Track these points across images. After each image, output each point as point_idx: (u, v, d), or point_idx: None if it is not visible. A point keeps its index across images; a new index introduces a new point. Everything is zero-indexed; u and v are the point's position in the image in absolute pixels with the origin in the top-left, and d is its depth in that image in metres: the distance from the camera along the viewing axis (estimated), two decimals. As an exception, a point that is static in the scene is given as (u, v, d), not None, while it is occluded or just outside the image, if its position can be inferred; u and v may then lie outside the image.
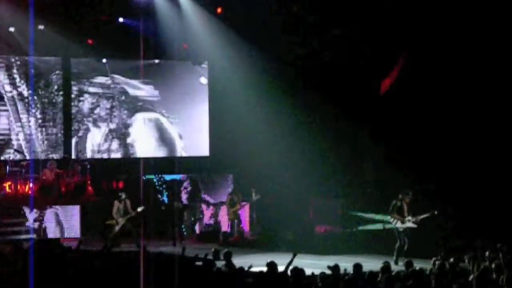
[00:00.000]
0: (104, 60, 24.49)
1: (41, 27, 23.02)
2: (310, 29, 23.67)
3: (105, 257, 13.95)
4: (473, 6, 21.13)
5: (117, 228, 20.19)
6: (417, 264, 13.33)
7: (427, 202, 19.61)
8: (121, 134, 24.84)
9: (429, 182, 21.51)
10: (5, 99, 23.41)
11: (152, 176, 23.77)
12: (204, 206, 24.00)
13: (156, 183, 23.78)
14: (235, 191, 23.21)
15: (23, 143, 23.40)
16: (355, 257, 17.61)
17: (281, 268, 12.40)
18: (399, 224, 18.21)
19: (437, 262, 12.70)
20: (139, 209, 20.74)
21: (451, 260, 13.06)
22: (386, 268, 12.42)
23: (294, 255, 12.66)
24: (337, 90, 23.88)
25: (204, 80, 25.82)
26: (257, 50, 24.41)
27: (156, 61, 25.31)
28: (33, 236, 20.73)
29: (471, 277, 11.65)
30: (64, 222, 21.89)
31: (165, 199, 23.64)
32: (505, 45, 21.28)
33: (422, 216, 18.18)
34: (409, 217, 18.17)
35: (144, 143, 25.17)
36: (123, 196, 20.70)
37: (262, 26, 23.75)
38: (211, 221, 23.70)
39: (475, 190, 20.99)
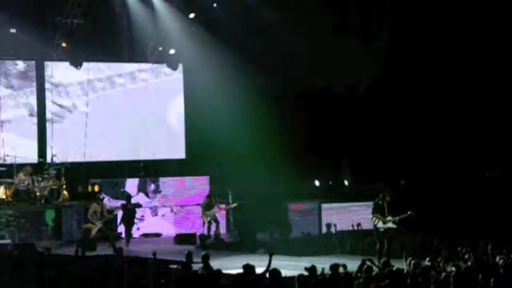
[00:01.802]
0: (78, 63, 24.38)
1: (13, 30, 22.88)
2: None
3: (81, 261, 13.86)
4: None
5: (94, 231, 20.02)
6: (395, 264, 13.36)
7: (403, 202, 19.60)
8: (96, 136, 24.71)
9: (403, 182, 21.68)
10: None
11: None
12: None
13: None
14: (213, 194, 23.08)
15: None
16: (332, 258, 17.63)
17: (259, 270, 12.38)
18: (380, 224, 17.98)
19: (412, 262, 12.73)
20: (115, 212, 20.59)
21: (427, 260, 13.10)
22: (368, 268, 12.36)
23: (271, 255, 12.65)
24: (316, 96, 24.09)
25: (178, 83, 25.78)
26: (234, 52, 24.50)
27: (131, 63, 25.27)
28: (8, 241, 20.56)
29: (442, 275, 11.71)
30: (40, 226, 21.73)
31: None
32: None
33: (400, 217, 17.97)
34: (389, 217, 17.93)
35: (119, 146, 25.07)
36: (101, 197, 20.58)
37: (236, 27, 23.91)
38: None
39: (450, 191, 21.22)
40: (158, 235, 23.17)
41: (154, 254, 13.61)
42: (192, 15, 24.33)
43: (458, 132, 22.91)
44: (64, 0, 23.18)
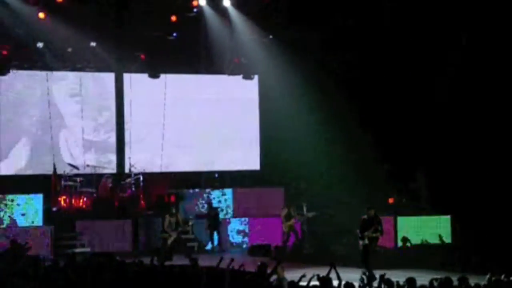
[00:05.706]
0: (156, 75, 24.75)
1: (93, 44, 23.42)
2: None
3: (159, 271, 14.06)
4: None
5: (169, 241, 20.31)
6: (473, 280, 13.11)
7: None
8: (172, 147, 25.05)
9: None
10: (61, 115, 23.99)
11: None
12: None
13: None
14: (290, 205, 23.05)
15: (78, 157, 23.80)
16: (408, 271, 17.43)
17: (335, 283, 12.33)
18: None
19: (493, 278, 12.47)
20: (190, 223, 20.83)
21: (504, 275, 12.82)
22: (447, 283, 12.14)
23: (332, 265, 12.58)
24: (391, 102, 23.89)
25: (254, 94, 25.96)
26: (308, 63, 24.53)
27: (208, 75, 25.55)
28: (88, 249, 21.01)
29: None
30: (117, 236, 22.15)
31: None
32: None
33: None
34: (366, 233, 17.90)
35: (195, 157, 25.37)
36: (174, 210, 20.86)
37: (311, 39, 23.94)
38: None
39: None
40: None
41: (232, 261, 13.52)
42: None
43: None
44: (143, 13, 23.60)
